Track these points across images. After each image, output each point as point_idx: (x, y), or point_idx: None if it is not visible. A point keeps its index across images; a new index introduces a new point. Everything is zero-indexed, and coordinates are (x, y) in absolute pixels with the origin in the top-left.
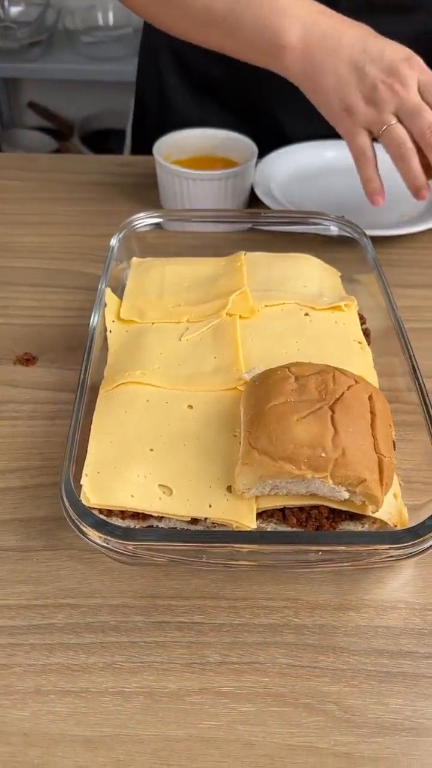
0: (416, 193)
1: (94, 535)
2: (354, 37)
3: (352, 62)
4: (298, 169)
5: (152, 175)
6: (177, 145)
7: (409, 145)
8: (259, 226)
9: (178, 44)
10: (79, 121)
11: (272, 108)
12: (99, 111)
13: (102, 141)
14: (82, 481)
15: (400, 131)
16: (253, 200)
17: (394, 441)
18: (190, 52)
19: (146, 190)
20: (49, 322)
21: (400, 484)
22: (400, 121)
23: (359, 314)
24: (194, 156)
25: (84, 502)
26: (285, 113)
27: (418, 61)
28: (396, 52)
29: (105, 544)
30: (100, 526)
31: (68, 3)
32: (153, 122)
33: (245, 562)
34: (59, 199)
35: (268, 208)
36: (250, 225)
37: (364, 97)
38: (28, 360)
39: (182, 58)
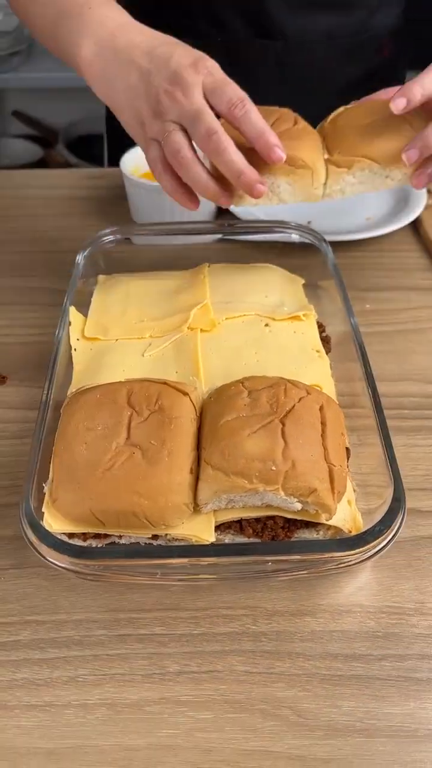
0: (189, 203)
1: (52, 556)
2: (144, 48)
3: (141, 74)
4: None
5: (124, 188)
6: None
7: (185, 153)
8: (228, 236)
9: None
10: (64, 127)
11: None
12: (82, 117)
13: (87, 147)
14: (44, 508)
15: (176, 139)
16: (221, 209)
17: (348, 448)
18: None
19: (119, 203)
20: (20, 341)
21: (354, 490)
22: (185, 129)
23: (319, 322)
24: None
25: (46, 527)
26: None
27: (207, 63)
28: (183, 56)
29: (64, 565)
30: (58, 547)
31: None
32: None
33: (204, 576)
34: (31, 215)
35: (235, 217)
36: (219, 236)
37: (151, 108)
38: None
39: None
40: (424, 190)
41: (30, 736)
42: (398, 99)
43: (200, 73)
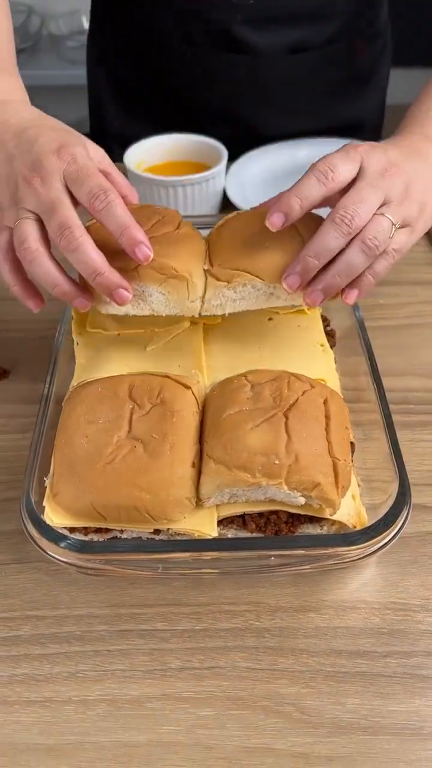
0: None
1: (53, 551)
2: (15, 129)
3: (6, 158)
4: (269, 170)
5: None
6: (150, 151)
7: (29, 244)
8: None
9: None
10: (69, 124)
11: (241, 110)
12: (87, 114)
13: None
14: (45, 502)
15: (24, 228)
16: (226, 203)
17: (352, 442)
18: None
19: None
20: (22, 335)
21: (359, 485)
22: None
23: (323, 316)
24: (168, 161)
25: (47, 521)
26: (256, 114)
27: (72, 150)
28: (48, 142)
29: (65, 559)
30: (59, 541)
31: (52, 8)
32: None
33: (206, 570)
34: None
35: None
36: None
37: (9, 194)
38: (0, 374)
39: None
40: None
41: (29, 732)
42: (274, 216)
43: (63, 160)
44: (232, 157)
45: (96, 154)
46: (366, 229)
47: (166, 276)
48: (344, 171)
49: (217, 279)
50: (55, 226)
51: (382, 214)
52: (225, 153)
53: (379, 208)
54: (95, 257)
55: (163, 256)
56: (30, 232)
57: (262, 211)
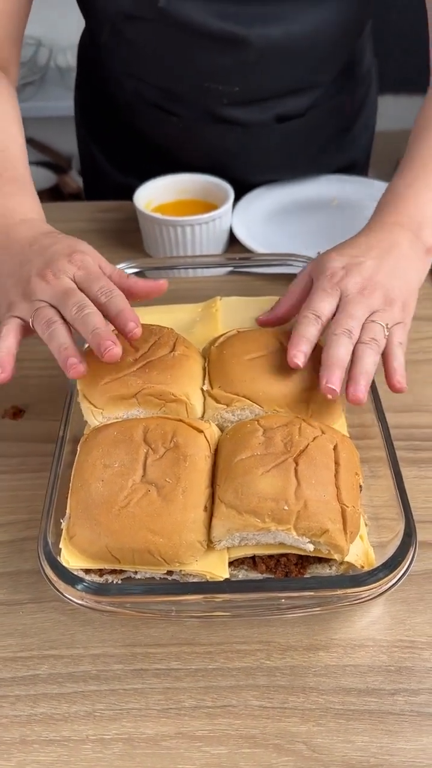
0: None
1: (69, 592)
2: (29, 239)
3: (21, 261)
4: (275, 208)
5: (136, 220)
6: (159, 190)
7: (57, 319)
8: (239, 268)
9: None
10: (76, 154)
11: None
12: None
13: None
14: (62, 544)
15: (48, 311)
16: (233, 240)
17: (361, 485)
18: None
19: (131, 235)
20: (36, 374)
21: (366, 524)
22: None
23: None
24: (176, 200)
25: (64, 563)
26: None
27: (82, 257)
28: (62, 248)
29: (80, 601)
30: (74, 583)
31: (59, 41)
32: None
33: (219, 613)
34: None
35: (246, 250)
36: (231, 269)
37: (21, 291)
38: (15, 413)
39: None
40: None
41: None
42: (297, 359)
43: (74, 264)
44: (236, 198)
45: (101, 261)
46: (362, 335)
47: (164, 401)
48: (329, 308)
49: (217, 401)
50: (72, 306)
51: (372, 321)
52: (231, 192)
53: (367, 317)
54: (100, 322)
55: (161, 383)
56: (54, 313)
57: (263, 335)
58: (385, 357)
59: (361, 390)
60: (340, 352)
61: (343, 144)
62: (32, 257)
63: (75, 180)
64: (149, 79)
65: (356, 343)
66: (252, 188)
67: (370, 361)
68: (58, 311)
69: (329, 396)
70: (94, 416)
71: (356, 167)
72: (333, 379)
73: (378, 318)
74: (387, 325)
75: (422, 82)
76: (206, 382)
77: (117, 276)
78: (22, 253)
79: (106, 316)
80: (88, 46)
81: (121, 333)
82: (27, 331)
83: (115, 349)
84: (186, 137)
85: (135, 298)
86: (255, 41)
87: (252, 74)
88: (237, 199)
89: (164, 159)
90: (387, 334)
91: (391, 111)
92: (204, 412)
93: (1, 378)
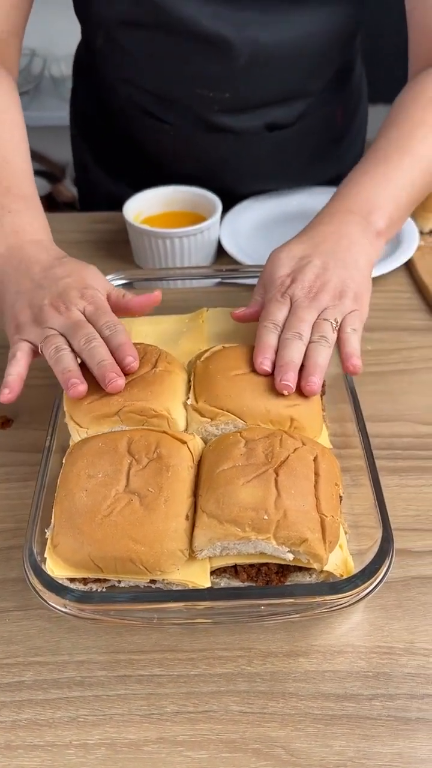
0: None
1: (54, 600)
2: (43, 265)
3: (33, 286)
4: (262, 220)
5: (127, 232)
6: (148, 202)
7: (66, 347)
8: (227, 280)
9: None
10: (70, 163)
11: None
12: None
13: None
14: (46, 553)
15: (57, 339)
16: (221, 253)
17: (341, 495)
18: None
19: (122, 247)
20: (26, 383)
21: (346, 532)
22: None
23: None
24: (165, 212)
25: (48, 572)
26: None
27: (94, 294)
28: (75, 281)
29: (65, 609)
30: (58, 591)
31: (54, 51)
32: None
33: (200, 620)
34: None
35: (235, 262)
36: (218, 280)
37: (32, 315)
38: (3, 423)
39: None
40: (417, 232)
41: None
42: (263, 363)
43: (85, 299)
44: (224, 210)
45: (107, 288)
46: (312, 334)
47: (146, 417)
48: (282, 315)
49: (202, 415)
50: (81, 338)
51: (323, 319)
52: (219, 204)
53: (318, 316)
54: (106, 354)
55: (141, 399)
56: (63, 342)
57: (245, 349)
58: (339, 345)
59: (313, 382)
60: (291, 353)
61: (334, 154)
62: (45, 284)
63: (69, 189)
64: (142, 85)
65: (308, 343)
66: (242, 198)
67: (320, 356)
68: (67, 340)
69: (285, 392)
70: (79, 435)
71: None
72: (287, 377)
73: (327, 315)
74: (336, 320)
75: None
76: (191, 396)
77: (115, 297)
78: (34, 277)
79: (109, 347)
80: (83, 53)
81: (119, 365)
82: (35, 354)
83: (118, 381)
84: (178, 145)
85: (134, 314)
86: (244, 45)
87: (242, 81)
88: (225, 210)
89: (157, 168)
90: (336, 327)
91: (381, 121)
92: (186, 426)
93: (7, 398)
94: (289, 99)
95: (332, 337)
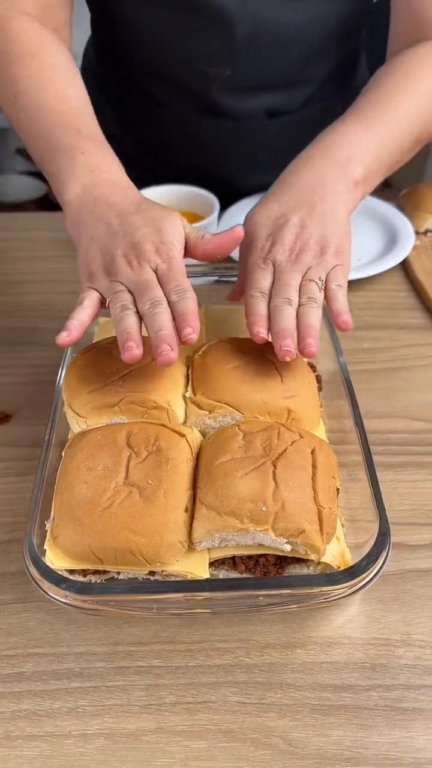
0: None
1: (54, 592)
2: (120, 209)
3: (108, 232)
4: None
5: None
6: None
7: (132, 308)
8: (224, 278)
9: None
10: None
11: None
12: None
13: None
14: (46, 545)
15: (125, 296)
16: None
17: (338, 488)
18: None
19: None
20: (24, 380)
21: (343, 525)
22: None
23: (310, 363)
24: None
25: (48, 563)
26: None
27: (169, 250)
28: (152, 232)
29: (65, 600)
30: (58, 582)
31: None
32: None
33: (198, 610)
34: (35, 257)
35: (233, 260)
36: (216, 277)
37: (104, 264)
38: (2, 418)
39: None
40: (412, 232)
41: (31, 766)
42: (259, 332)
43: (159, 255)
44: (221, 208)
45: (185, 232)
46: (300, 296)
47: (146, 408)
48: (268, 281)
49: (200, 408)
50: (147, 301)
51: (308, 280)
52: (217, 204)
53: (303, 277)
54: (167, 324)
55: (143, 391)
56: (129, 298)
57: (246, 344)
58: (327, 303)
59: (310, 344)
60: (284, 321)
61: None
62: (119, 231)
63: None
64: (144, 64)
65: (298, 307)
66: (238, 193)
67: (312, 318)
68: (134, 298)
69: (287, 358)
70: (78, 425)
71: None
72: (285, 344)
73: (311, 275)
74: (320, 278)
75: None
76: (189, 389)
77: (194, 239)
78: (110, 223)
79: (173, 313)
80: (89, 48)
81: (178, 334)
82: (101, 305)
83: (170, 355)
84: (176, 131)
85: (213, 256)
86: (245, 19)
87: (243, 57)
88: (223, 209)
89: (156, 161)
90: (322, 286)
91: None
92: (186, 419)
93: (65, 341)
94: (289, 84)
95: (320, 296)
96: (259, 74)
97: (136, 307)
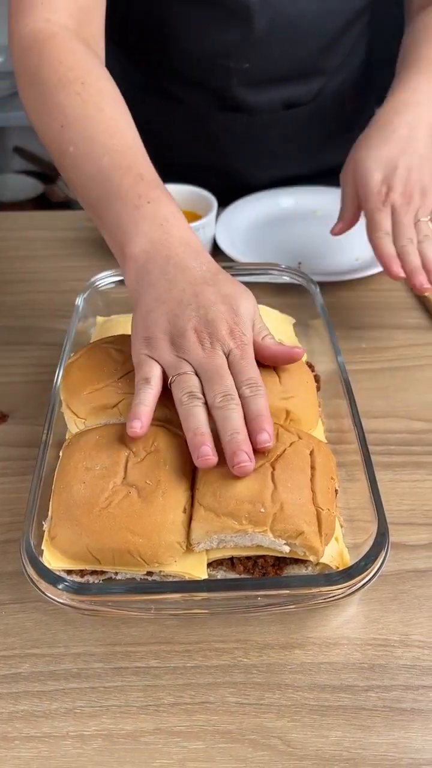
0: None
1: (51, 592)
2: (195, 278)
3: (181, 300)
4: (256, 218)
5: None
6: None
7: (200, 397)
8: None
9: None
10: None
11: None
12: None
13: None
14: (43, 545)
15: (192, 381)
16: (216, 250)
17: (337, 490)
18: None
19: None
20: (22, 380)
21: (341, 525)
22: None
23: (308, 363)
24: None
25: (45, 564)
26: (243, 165)
27: (242, 336)
28: (228, 311)
29: (62, 600)
30: (56, 583)
31: None
32: None
33: (196, 610)
34: (32, 256)
35: (230, 258)
36: None
37: (170, 334)
38: None
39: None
40: None
41: (29, 767)
42: (405, 271)
43: (233, 339)
44: (220, 206)
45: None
46: (418, 234)
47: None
48: (389, 222)
49: None
50: (218, 394)
51: (419, 220)
52: (215, 203)
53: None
54: (241, 425)
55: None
56: (196, 385)
57: None
58: None
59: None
60: (414, 258)
61: (342, 141)
62: (192, 302)
63: (62, 189)
64: (163, 62)
65: (418, 243)
66: (245, 187)
67: (431, 252)
68: (201, 385)
69: (426, 293)
70: (77, 425)
71: None
72: (424, 280)
73: (421, 215)
74: (429, 218)
75: None
76: None
77: (256, 333)
78: (182, 287)
79: (245, 412)
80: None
81: (251, 438)
82: (164, 382)
83: (249, 466)
84: (189, 128)
85: (264, 361)
86: (264, 12)
87: (261, 50)
88: (222, 208)
89: (163, 157)
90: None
91: None
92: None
93: (138, 433)
94: (306, 75)
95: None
96: (276, 66)
97: (204, 397)
